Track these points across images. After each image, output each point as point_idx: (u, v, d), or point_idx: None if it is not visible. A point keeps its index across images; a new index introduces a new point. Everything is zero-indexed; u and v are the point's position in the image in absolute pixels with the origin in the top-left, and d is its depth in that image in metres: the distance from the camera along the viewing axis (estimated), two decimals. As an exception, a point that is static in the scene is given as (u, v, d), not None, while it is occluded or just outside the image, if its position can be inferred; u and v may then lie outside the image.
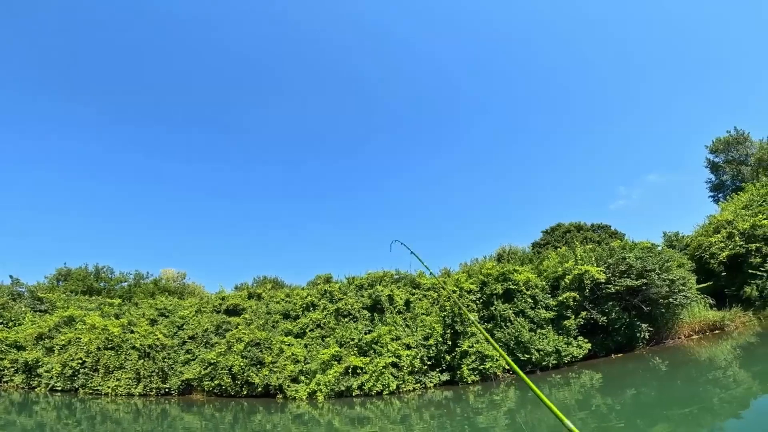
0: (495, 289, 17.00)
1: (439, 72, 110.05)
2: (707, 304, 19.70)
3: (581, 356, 15.69)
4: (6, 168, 75.46)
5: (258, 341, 17.92)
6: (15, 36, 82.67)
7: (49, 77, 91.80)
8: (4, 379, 15.19)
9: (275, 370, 16.53)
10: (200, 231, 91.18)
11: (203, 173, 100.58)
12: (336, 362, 16.61)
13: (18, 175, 79.03)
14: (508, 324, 15.84)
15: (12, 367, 15.29)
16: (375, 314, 19.59)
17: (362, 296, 20.48)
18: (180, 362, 17.20)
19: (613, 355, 16.55)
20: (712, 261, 22.72)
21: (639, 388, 10.73)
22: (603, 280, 16.28)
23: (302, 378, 16.40)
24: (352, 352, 17.15)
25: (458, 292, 17.72)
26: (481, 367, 14.90)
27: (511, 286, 16.98)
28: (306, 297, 20.89)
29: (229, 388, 15.98)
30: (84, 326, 18.14)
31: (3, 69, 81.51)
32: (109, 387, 15.23)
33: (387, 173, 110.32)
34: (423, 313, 18.28)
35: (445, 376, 15.78)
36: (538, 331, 15.98)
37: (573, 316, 16.22)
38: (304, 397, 15.47)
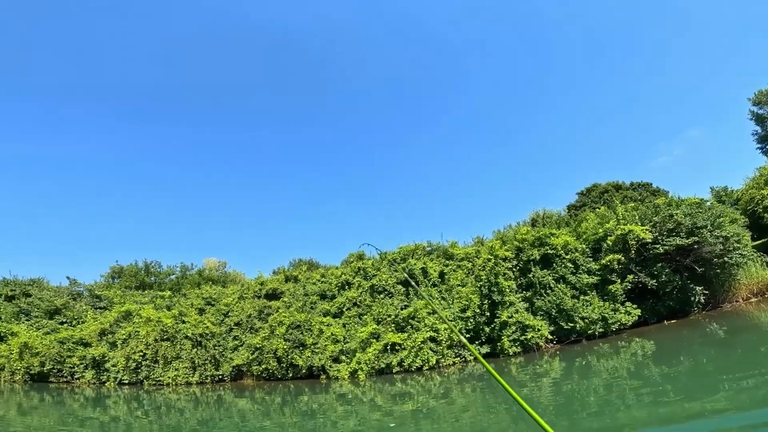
0: (531, 255, 16.38)
1: (456, 21, 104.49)
2: (764, 263, 18.11)
3: (630, 323, 14.94)
4: (57, 176, 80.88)
5: (298, 323, 18.47)
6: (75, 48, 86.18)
7: (87, 86, 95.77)
8: (76, 376, 16.51)
9: (317, 351, 17.06)
10: (237, 219, 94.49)
11: (233, 165, 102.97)
12: (374, 340, 16.88)
13: (63, 181, 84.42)
14: (548, 291, 15.29)
15: (81, 363, 16.60)
16: (409, 288, 19.60)
17: (396, 271, 20.49)
18: (229, 349, 18.10)
19: (665, 322, 15.64)
20: (766, 215, 20.91)
21: (695, 357, 10.08)
22: (649, 240, 15.21)
23: (343, 357, 16.86)
24: (389, 329, 17.34)
25: (493, 261, 17.25)
26: (522, 338, 14.60)
27: (548, 251, 16.29)
28: (340, 276, 21.17)
29: (275, 372, 16.70)
30: (140, 320, 19.27)
31: (52, 77, 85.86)
32: (169, 377, 16.31)
33: (409, 141, 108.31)
34: (458, 285, 18.03)
35: (486, 349, 15.63)
36: (581, 297, 15.33)
37: (618, 281, 15.39)
38: (346, 377, 15.93)
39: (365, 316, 18.43)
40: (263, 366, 16.65)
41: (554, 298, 14.94)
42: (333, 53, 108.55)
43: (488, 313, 16.19)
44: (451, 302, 17.64)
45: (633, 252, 15.41)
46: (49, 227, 77.27)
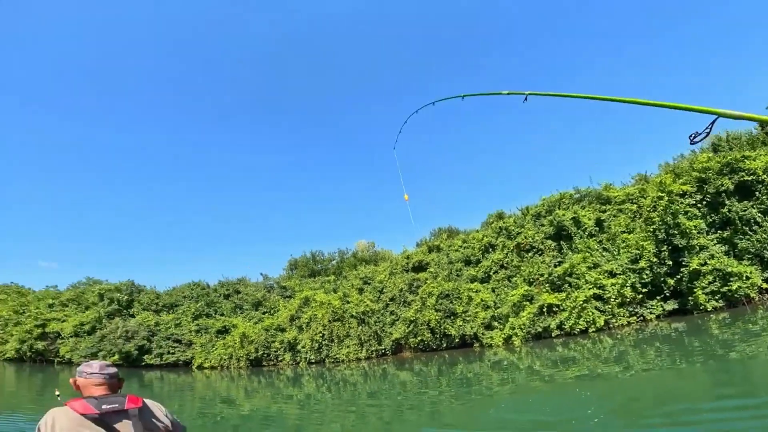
0: (721, 186, 12.54)
1: None
2: None
3: None
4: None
5: (447, 293, 18.70)
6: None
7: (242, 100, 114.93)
8: (279, 359, 20.48)
9: (468, 319, 17.04)
10: (378, 198, 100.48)
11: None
12: (528, 303, 15.84)
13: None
14: (755, 228, 11.50)
15: (281, 347, 20.54)
16: (561, 242, 17.56)
17: (542, 225, 18.60)
18: (388, 323, 19.67)
19: None
20: None
21: None
22: None
23: (495, 324, 16.40)
24: (543, 290, 15.99)
25: (666, 198, 13.89)
26: (724, 289, 11.48)
27: (744, 178, 12.19)
28: (482, 239, 20.42)
29: (430, 343, 17.42)
30: (316, 304, 22.49)
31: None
32: (343, 354, 18.80)
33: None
34: (623, 232, 15.25)
35: (672, 305, 12.92)
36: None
37: None
38: (500, 343, 15.46)
39: (514, 278, 17.43)
40: (419, 338, 17.54)
41: (765, 235, 11.14)
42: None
43: (670, 262, 13.25)
44: (616, 253, 15.09)
45: None
46: (238, 229, 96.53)
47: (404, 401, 8.58)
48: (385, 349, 18.43)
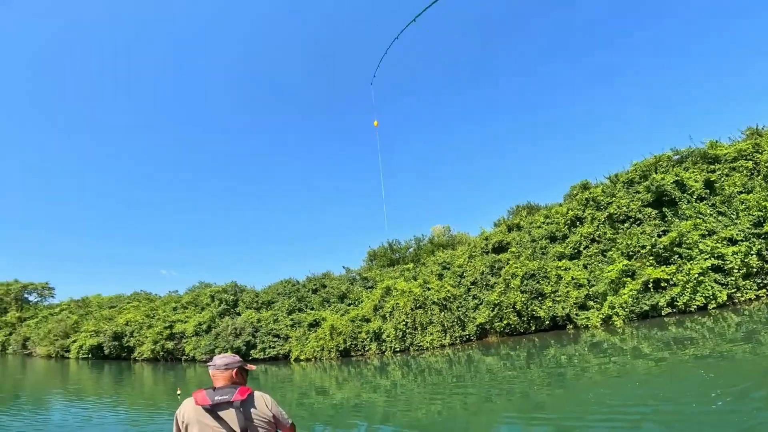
0: None
1: None
2: None
3: None
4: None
5: (532, 272, 17.61)
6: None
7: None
8: (366, 348, 21.19)
9: (558, 299, 15.84)
10: (453, 179, 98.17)
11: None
12: (628, 278, 14.17)
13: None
14: None
15: (367, 337, 21.27)
16: (664, 209, 15.35)
17: (637, 192, 16.46)
18: (470, 308, 19.21)
19: None
20: None
21: None
22: None
23: (591, 303, 14.98)
24: (647, 263, 14.16)
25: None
26: None
27: None
28: (567, 213, 18.79)
29: (517, 326, 16.56)
30: (397, 292, 22.82)
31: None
32: (427, 342, 18.84)
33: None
34: (740, 192, 12.80)
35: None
36: None
37: None
38: (597, 324, 14.06)
39: (610, 252, 15.72)
40: (504, 321, 16.82)
41: None
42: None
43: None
44: (734, 217, 12.73)
45: None
46: (328, 222, 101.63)
47: (491, 387, 8.29)
48: (469, 334, 18.06)
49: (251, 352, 22.21)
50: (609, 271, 14.71)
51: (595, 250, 16.58)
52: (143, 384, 13.36)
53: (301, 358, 20.73)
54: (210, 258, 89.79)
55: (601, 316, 14.16)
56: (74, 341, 29.43)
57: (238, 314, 25.99)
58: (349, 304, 24.91)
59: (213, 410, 2.30)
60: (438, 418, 6.28)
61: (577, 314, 15.11)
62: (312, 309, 25.20)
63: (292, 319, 24.05)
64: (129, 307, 32.15)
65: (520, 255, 19.55)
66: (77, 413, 7.17)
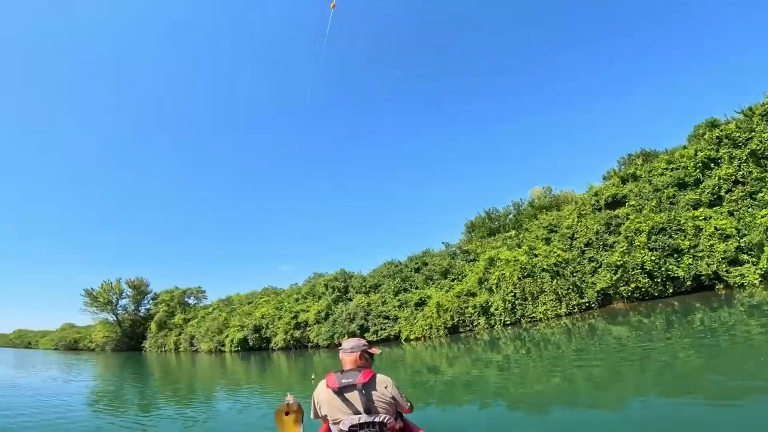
0: None
1: None
2: None
3: None
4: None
5: (661, 226, 15.14)
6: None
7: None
8: (474, 324, 20.68)
9: (699, 255, 13.32)
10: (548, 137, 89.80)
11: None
12: (795, 221, 11.21)
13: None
14: None
15: (474, 312, 20.77)
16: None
17: None
18: (588, 273, 17.39)
19: None
20: None
21: None
22: None
23: (744, 257, 12.25)
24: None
25: None
26: None
27: None
28: (696, 155, 15.63)
29: (649, 289, 14.42)
30: (501, 262, 21.81)
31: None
32: (540, 312, 17.61)
33: None
34: None
35: None
36: None
37: None
38: (755, 282, 11.37)
39: (760, 194, 12.63)
40: (632, 285, 14.83)
41: None
42: None
43: None
44: None
45: None
46: (415, 201, 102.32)
47: (621, 360, 7.42)
48: (589, 302, 16.43)
49: (365, 335, 23.64)
50: (763, 216, 11.83)
51: (741, 194, 13.52)
52: (281, 371, 15.22)
53: (411, 337, 21.34)
54: (319, 249, 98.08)
55: (759, 271, 11.52)
56: (226, 336, 34.78)
57: (350, 300, 27.85)
58: (453, 280, 24.71)
59: (340, 392, 2.54)
60: (557, 394, 5.83)
61: (727, 271, 12.54)
62: (416, 288, 25.66)
63: (399, 300, 24.85)
64: (262, 302, 36.84)
65: (642, 208, 17.01)
66: (237, 401, 8.41)
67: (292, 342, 28.83)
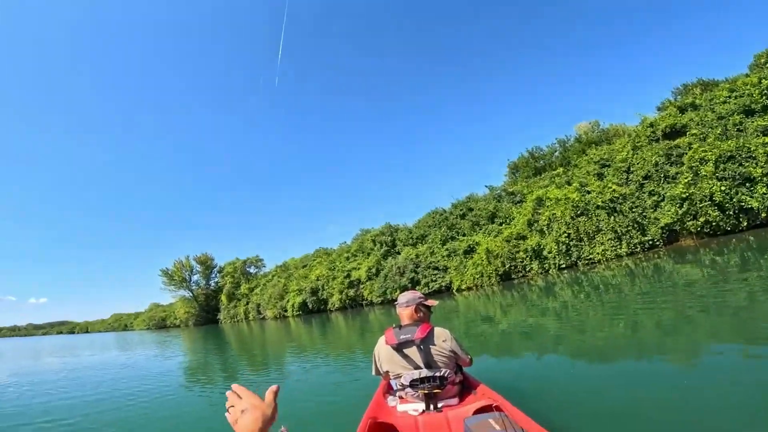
0: None
1: None
2: None
3: None
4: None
5: (730, 154, 13.61)
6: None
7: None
8: (528, 269, 19.99)
9: (778, 181, 11.88)
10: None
11: None
12: None
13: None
14: None
15: (526, 256, 20.32)
16: None
17: None
18: (649, 208, 16.25)
19: None
20: None
21: None
22: None
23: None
24: None
25: None
26: None
27: None
28: (760, 82, 13.58)
29: (721, 223, 13.26)
30: (551, 202, 20.85)
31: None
32: (597, 253, 16.87)
33: None
34: None
35: None
36: None
37: None
38: None
39: None
40: (701, 219, 13.73)
41: None
42: None
43: None
44: None
45: None
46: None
47: (692, 303, 7.01)
48: (652, 239, 15.52)
49: (416, 288, 24.25)
50: None
51: (815, 116, 11.59)
52: (340, 332, 16.10)
53: (462, 287, 21.52)
54: (365, 205, 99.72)
55: None
56: (287, 301, 37.10)
57: (398, 253, 28.38)
58: (501, 224, 24.25)
59: (399, 348, 2.54)
60: (622, 342, 5.66)
61: (808, 197, 11.17)
62: (464, 235, 25.50)
63: (447, 249, 24.95)
64: (315, 264, 38.56)
65: (705, 136, 15.38)
66: (303, 365, 9.08)
67: (347, 301, 30.14)
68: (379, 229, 33.12)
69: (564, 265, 17.74)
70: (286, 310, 37.07)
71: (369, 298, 28.06)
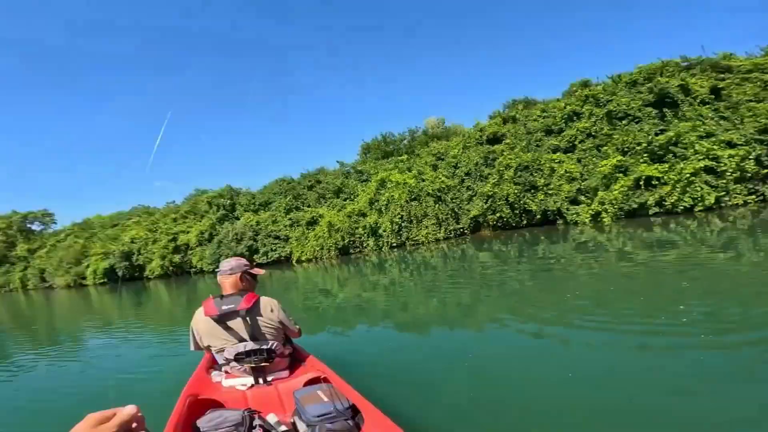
0: None
1: None
2: None
3: None
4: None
5: (526, 164, 17.52)
6: None
7: None
8: (365, 245, 21.22)
9: (550, 192, 16.09)
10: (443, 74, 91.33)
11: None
12: (621, 174, 14.20)
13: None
14: None
15: (364, 232, 21.78)
16: (664, 110, 14.66)
17: (639, 93, 15.61)
18: (465, 200, 19.50)
19: None
20: None
21: None
22: None
23: (582, 198, 15.28)
24: (641, 160, 13.99)
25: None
26: None
27: None
28: (564, 107, 18.03)
29: (509, 220, 17.12)
30: (392, 184, 22.70)
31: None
32: (422, 235, 19.52)
33: None
34: (750, 100, 12.03)
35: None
36: None
37: None
38: (587, 221, 14.53)
39: (605, 148, 15.52)
40: (497, 214, 17.34)
41: None
42: None
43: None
44: (738, 122, 12.22)
45: None
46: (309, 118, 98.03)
47: (484, 284, 8.71)
48: (463, 228, 18.75)
49: (254, 257, 23.29)
50: (602, 166, 14.67)
51: (590, 145, 16.30)
52: (160, 302, 14.29)
53: (302, 259, 21.72)
54: (204, 163, 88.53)
55: (590, 212, 14.56)
56: (87, 266, 30.28)
57: (237, 218, 26.50)
58: (345, 199, 25.10)
59: (221, 320, 2.32)
60: (435, 316, 6.74)
61: (567, 209, 15.52)
62: (309, 206, 25.52)
63: (290, 219, 24.57)
64: (131, 224, 32.48)
65: (514, 147, 19.21)
66: (109, 344, 7.71)
67: (171, 269, 26.75)
68: (217, 191, 30.00)
69: (395, 244, 19.78)
70: (84, 278, 30.34)
71: (199, 266, 25.49)
